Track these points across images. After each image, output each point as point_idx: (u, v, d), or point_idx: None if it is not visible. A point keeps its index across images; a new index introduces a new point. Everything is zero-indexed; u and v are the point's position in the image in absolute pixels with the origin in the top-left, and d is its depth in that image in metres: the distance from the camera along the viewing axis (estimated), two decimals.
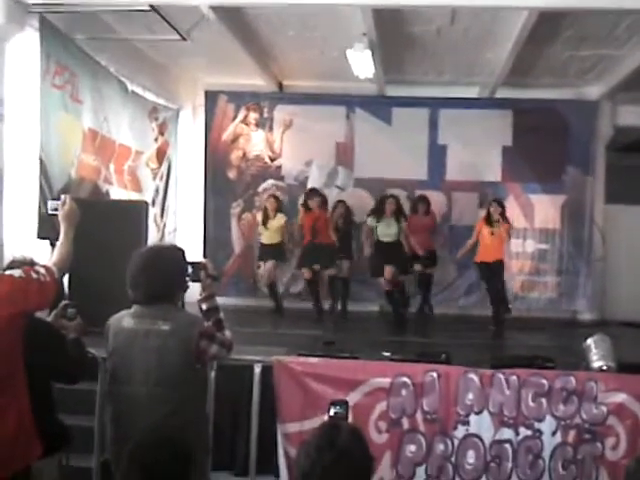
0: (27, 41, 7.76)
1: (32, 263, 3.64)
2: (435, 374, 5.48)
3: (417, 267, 10.69)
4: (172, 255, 3.92)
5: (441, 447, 5.44)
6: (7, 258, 4.10)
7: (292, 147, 12.41)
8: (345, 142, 12.37)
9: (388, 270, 9.90)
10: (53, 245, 3.65)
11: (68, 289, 6.87)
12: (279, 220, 10.92)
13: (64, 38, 8.47)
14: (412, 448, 5.46)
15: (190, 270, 3.92)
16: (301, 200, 11.27)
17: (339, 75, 11.00)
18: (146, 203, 9.13)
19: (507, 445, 5.40)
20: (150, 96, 11.29)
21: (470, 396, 5.44)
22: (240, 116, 12.47)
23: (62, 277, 3.62)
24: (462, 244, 10.95)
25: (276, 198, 11.24)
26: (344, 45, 9.35)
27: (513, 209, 11.86)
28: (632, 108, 11.89)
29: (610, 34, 9.23)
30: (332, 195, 11.89)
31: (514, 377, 5.44)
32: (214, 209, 12.42)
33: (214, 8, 8.34)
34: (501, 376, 5.46)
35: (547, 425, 5.39)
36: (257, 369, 5.76)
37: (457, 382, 5.47)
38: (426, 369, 5.53)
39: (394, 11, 8.58)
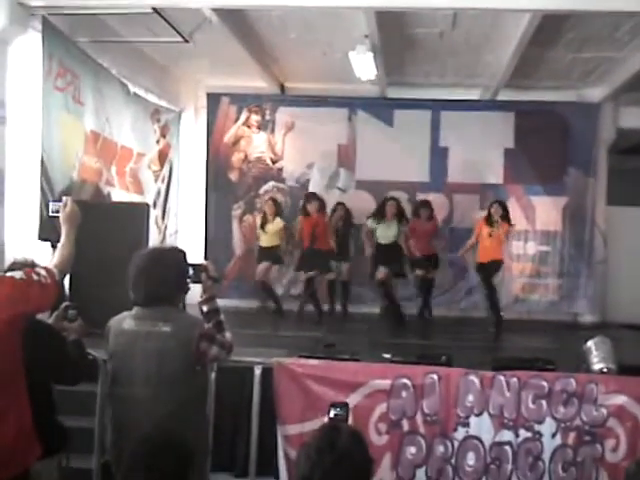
0: (29, 43, 7.79)
1: (33, 265, 3.64)
2: (435, 376, 5.49)
3: (418, 272, 10.68)
4: (173, 257, 3.93)
5: (441, 449, 5.45)
6: (8, 260, 4.10)
7: (294, 149, 12.42)
8: (347, 144, 12.38)
9: (382, 271, 9.88)
10: (54, 247, 3.65)
11: (69, 291, 6.88)
12: (277, 224, 10.94)
13: (66, 40, 8.49)
14: (412, 450, 5.47)
15: (191, 272, 3.92)
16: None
17: (341, 77, 11.02)
18: (147, 205, 9.15)
19: (507, 447, 5.41)
20: (152, 98, 11.31)
21: (470, 398, 5.45)
22: (242, 118, 12.49)
23: (63, 279, 3.62)
24: (463, 246, 10.96)
25: (275, 202, 11.26)
26: (346, 47, 9.38)
27: (514, 211, 11.82)
28: (634, 110, 11.90)
29: (612, 36, 9.24)
30: (334, 197, 11.91)
31: (514, 379, 5.45)
32: (215, 211, 12.43)
33: (216, 10, 8.35)
34: (501, 378, 5.46)
35: (547, 427, 5.39)
36: (257, 371, 5.77)
37: (457, 384, 5.47)
38: (426, 371, 5.54)
39: (396, 13, 8.59)
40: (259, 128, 12.49)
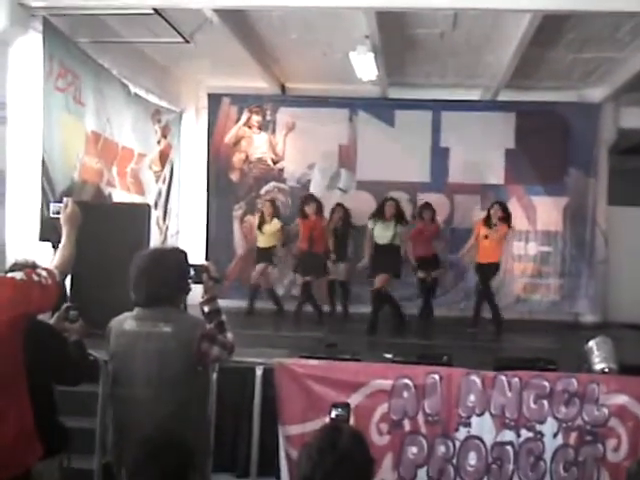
0: (30, 44, 7.79)
1: (34, 266, 3.64)
2: (437, 376, 5.49)
3: (420, 274, 10.66)
4: (174, 257, 3.92)
5: (442, 449, 5.45)
6: (9, 260, 4.10)
7: (295, 150, 12.43)
8: (348, 144, 12.38)
9: (380, 277, 9.85)
10: (55, 248, 3.65)
11: (70, 291, 6.88)
12: (274, 225, 11.00)
13: (67, 41, 8.50)
14: (413, 450, 5.47)
15: (192, 272, 3.92)
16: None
17: (342, 78, 11.02)
18: (148, 206, 9.15)
19: (508, 447, 5.41)
20: (153, 98, 11.32)
21: (472, 398, 5.45)
22: (243, 119, 12.50)
23: (64, 280, 3.62)
24: (463, 247, 10.97)
25: (273, 203, 11.30)
26: (347, 48, 9.38)
27: (515, 211, 11.83)
28: (635, 110, 11.90)
29: (613, 37, 9.24)
30: (335, 197, 11.92)
31: (516, 379, 5.45)
32: (216, 211, 12.43)
33: (217, 11, 8.36)
34: (503, 378, 5.46)
35: (548, 427, 5.40)
36: (259, 371, 5.77)
37: (459, 384, 5.47)
38: (428, 371, 5.54)
39: (397, 14, 8.60)
40: (260, 128, 12.50)
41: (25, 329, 3.31)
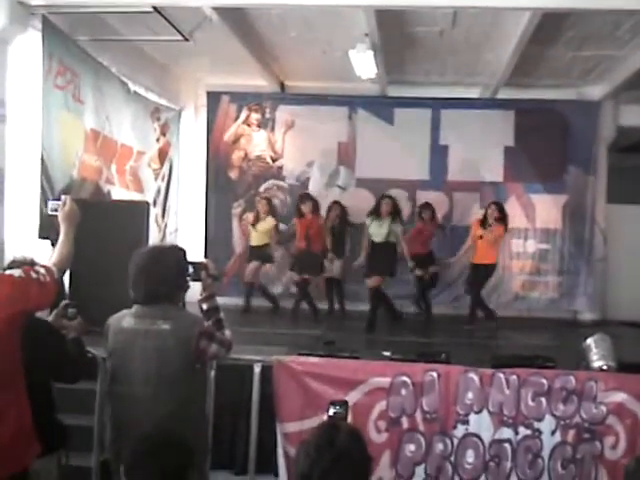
0: (29, 42, 7.80)
1: (32, 263, 3.64)
2: (435, 374, 5.49)
3: (418, 272, 10.65)
4: (173, 255, 3.93)
5: (440, 446, 5.44)
6: (8, 258, 4.10)
7: (294, 147, 12.43)
8: (347, 142, 12.38)
9: (374, 279, 9.85)
10: (54, 245, 3.66)
11: (69, 289, 6.90)
12: (268, 223, 11.00)
13: (66, 39, 8.50)
14: (411, 447, 5.47)
15: (191, 270, 3.93)
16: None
17: (341, 75, 11.02)
18: (147, 203, 9.15)
19: (506, 444, 5.40)
20: (152, 96, 11.32)
21: (470, 395, 5.44)
22: (242, 116, 12.49)
23: (62, 277, 3.63)
24: (463, 245, 10.98)
25: (269, 201, 11.29)
26: (346, 46, 9.38)
27: (515, 209, 11.88)
28: (634, 108, 11.89)
29: (612, 34, 9.24)
30: (334, 195, 11.93)
31: (514, 377, 5.45)
32: (215, 209, 12.43)
33: (216, 9, 8.36)
34: (501, 375, 5.46)
35: (546, 424, 5.39)
36: (257, 369, 5.77)
37: (457, 381, 5.47)
38: (426, 369, 5.53)
39: (396, 12, 8.60)
40: (259, 126, 12.50)
41: (23, 326, 3.32)
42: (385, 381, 5.50)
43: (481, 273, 10.22)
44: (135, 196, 10.63)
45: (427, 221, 10.84)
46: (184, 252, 3.97)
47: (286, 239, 11.75)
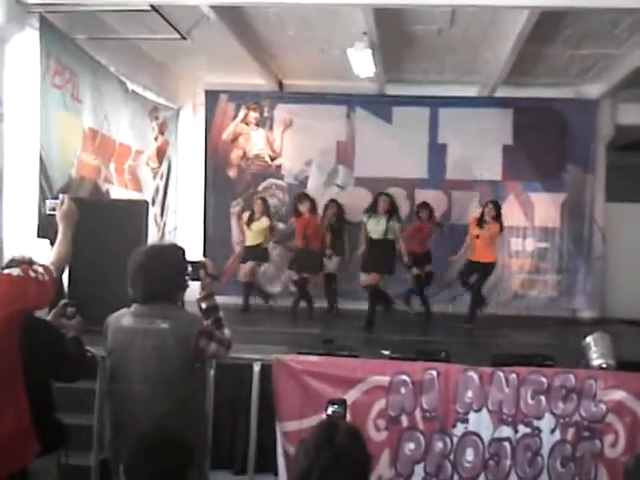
0: (27, 41, 7.78)
1: (30, 262, 3.64)
2: (434, 372, 5.49)
3: (415, 271, 10.63)
4: (172, 254, 3.92)
5: (440, 445, 5.44)
6: (7, 257, 4.09)
7: (292, 146, 12.43)
8: (345, 141, 12.39)
9: (372, 276, 9.83)
10: (53, 244, 3.65)
11: (68, 288, 6.89)
12: (263, 222, 10.99)
13: (64, 37, 8.48)
14: (411, 446, 5.47)
15: (190, 269, 3.92)
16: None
17: (339, 74, 11.02)
18: (146, 202, 9.14)
19: (506, 443, 5.40)
20: (150, 95, 11.31)
21: (469, 394, 5.44)
22: (240, 115, 12.50)
23: (61, 276, 3.63)
24: (462, 243, 10.98)
25: (264, 201, 11.28)
26: (344, 44, 9.38)
27: (513, 208, 11.91)
28: (632, 107, 11.91)
29: (610, 33, 9.25)
30: (332, 194, 11.92)
31: (513, 375, 5.45)
32: (214, 208, 12.44)
33: (214, 7, 8.36)
34: (501, 374, 5.46)
35: (546, 423, 5.39)
36: (256, 367, 5.77)
37: (456, 380, 5.47)
38: (425, 367, 5.53)
39: (394, 10, 8.60)
40: (257, 125, 12.50)
41: (22, 325, 3.32)
42: (384, 380, 5.50)
43: (480, 271, 10.21)
44: (134, 195, 10.62)
45: (425, 220, 10.84)
46: (183, 251, 3.96)
47: (284, 238, 11.75)
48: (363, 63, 9.75)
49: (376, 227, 9.82)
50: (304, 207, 10.73)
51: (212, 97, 12.46)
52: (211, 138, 12.49)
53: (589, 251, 12.12)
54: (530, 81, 11.63)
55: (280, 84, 12.44)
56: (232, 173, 12.53)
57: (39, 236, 7.39)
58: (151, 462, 2.70)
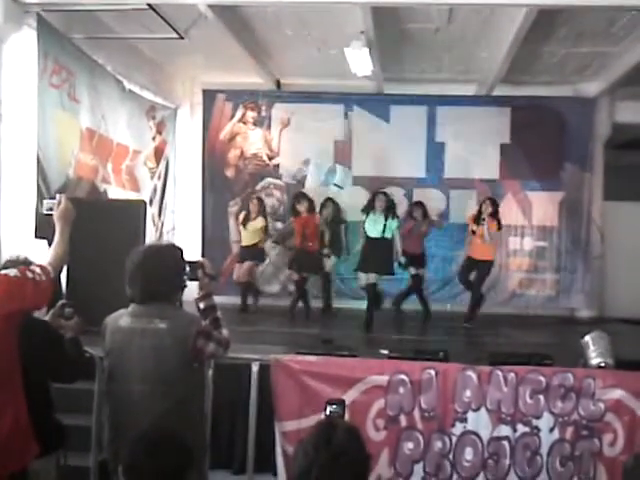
0: (24, 40, 7.76)
1: (27, 262, 3.63)
2: (433, 371, 5.49)
3: (412, 270, 10.61)
4: (170, 254, 3.91)
5: (439, 444, 5.45)
6: (5, 258, 4.09)
7: (290, 145, 12.42)
8: (343, 140, 12.38)
9: (370, 276, 9.81)
10: (51, 245, 3.64)
11: (66, 288, 6.88)
12: (258, 222, 10.97)
13: (61, 37, 8.47)
14: (410, 445, 5.47)
15: (188, 269, 3.92)
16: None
17: (337, 73, 11.01)
18: (144, 202, 9.08)
19: (505, 442, 5.41)
20: (147, 95, 11.30)
21: (468, 393, 5.45)
22: (238, 114, 12.49)
23: (58, 276, 3.62)
24: (460, 241, 10.98)
25: (260, 201, 11.26)
26: (342, 43, 9.37)
27: (511, 206, 11.91)
28: (630, 105, 11.91)
29: (607, 31, 9.26)
30: (330, 193, 11.90)
31: (512, 374, 5.45)
32: (212, 208, 12.44)
33: (212, 6, 8.35)
34: (499, 373, 5.46)
35: (545, 422, 5.40)
36: (255, 367, 5.77)
37: (455, 379, 5.47)
38: (424, 367, 5.53)
39: (392, 9, 8.61)
40: (255, 124, 12.50)
41: (20, 326, 3.31)
42: (383, 379, 5.50)
43: (478, 269, 10.20)
44: (131, 195, 10.61)
45: (419, 220, 10.73)
46: (181, 251, 3.95)
47: (283, 238, 11.74)
48: (360, 62, 9.73)
49: (374, 226, 9.79)
50: (302, 207, 10.71)
51: (209, 96, 12.45)
52: (209, 137, 12.49)
53: (587, 250, 12.12)
54: (528, 80, 11.63)
55: (278, 83, 12.43)
56: (230, 173, 12.52)
57: (36, 236, 7.37)
58: (150, 462, 2.69)
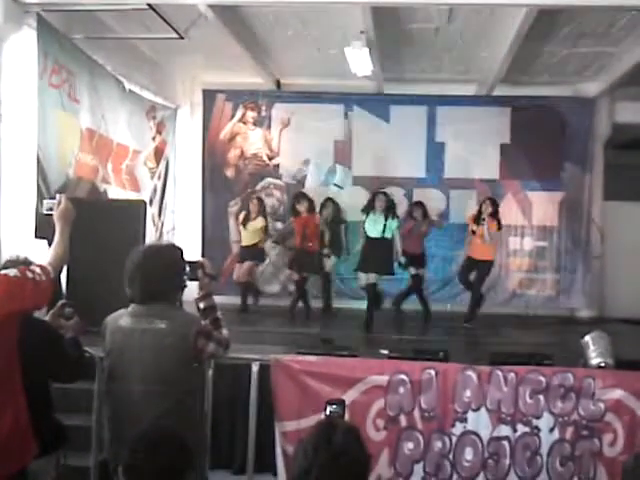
0: (24, 40, 7.75)
1: (27, 262, 3.63)
2: (433, 371, 5.50)
3: (412, 270, 10.60)
4: (170, 254, 3.91)
5: (439, 444, 5.45)
6: (5, 258, 4.09)
7: (290, 145, 12.41)
8: (343, 140, 12.37)
9: (370, 276, 9.80)
10: (51, 245, 3.64)
11: (66, 288, 6.88)
12: (258, 222, 10.97)
13: (61, 37, 8.46)
14: (410, 445, 5.47)
15: (188, 269, 3.92)
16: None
17: (337, 73, 11.00)
18: (144, 202, 9.08)
19: (505, 442, 5.41)
20: (148, 95, 11.28)
21: (468, 393, 5.45)
22: (238, 114, 12.48)
23: (58, 276, 3.62)
24: (460, 241, 10.97)
25: (260, 201, 11.26)
26: (342, 43, 9.37)
27: (511, 206, 11.91)
28: (630, 105, 11.91)
29: (608, 31, 9.25)
30: (331, 194, 11.89)
31: (512, 374, 5.45)
32: (212, 208, 12.43)
33: (212, 6, 8.34)
34: (499, 373, 5.47)
35: (545, 422, 5.40)
36: (255, 367, 5.77)
37: (455, 379, 5.48)
38: (424, 367, 5.54)
39: (392, 9, 8.60)
40: (255, 124, 12.49)
41: (20, 326, 3.31)
42: (383, 379, 5.51)
43: (478, 269, 10.20)
44: (131, 195, 10.60)
45: (419, 220, 10.71)
46: (181, 251, 3.95)
47: (283, 238, 11.74)
48: (361, 62, 9.73)
49: (374, 226, 9.79)
50: (302, 207, 10.71)
51: (210, 96, 12.45)
52: (209, 137, 12.48)
53: (587, 250, 12.12)
54: (528, 80, 11.62)
55: (278, 83, 12.42)
56: (230, 173, 12.52)
57: (36, 236, 7.37)
58: (150, 462, 2.69)
